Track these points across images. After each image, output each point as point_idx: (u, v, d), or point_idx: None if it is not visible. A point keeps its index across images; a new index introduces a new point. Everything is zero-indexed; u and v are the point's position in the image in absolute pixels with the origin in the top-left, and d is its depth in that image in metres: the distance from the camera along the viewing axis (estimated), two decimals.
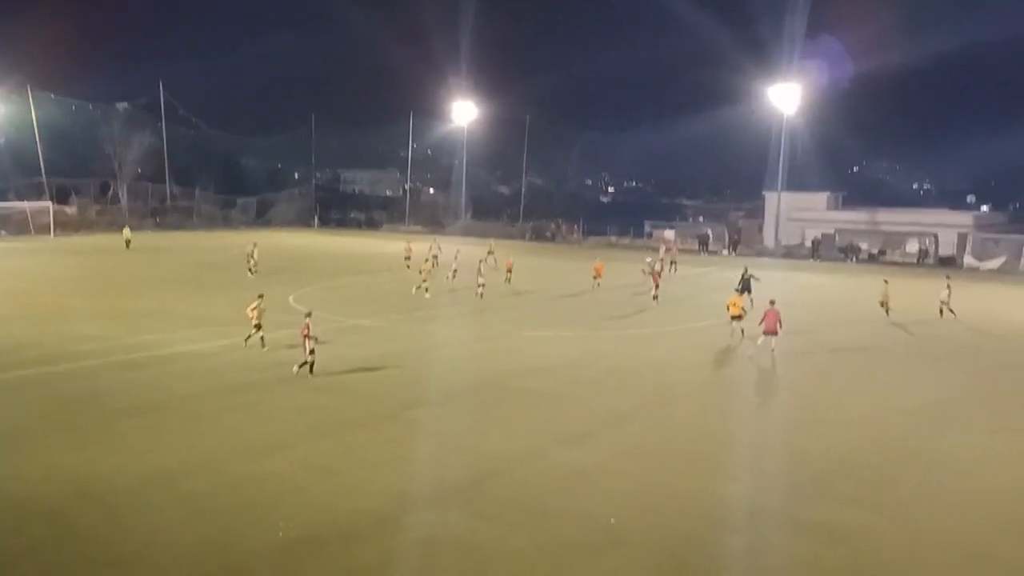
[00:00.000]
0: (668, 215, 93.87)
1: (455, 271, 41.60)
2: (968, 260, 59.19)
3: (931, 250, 61.58)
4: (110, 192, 79.74)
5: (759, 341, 24.87)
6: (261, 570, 11.09)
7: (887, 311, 33.18)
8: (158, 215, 79.27)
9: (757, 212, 79.68)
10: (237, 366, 22.35)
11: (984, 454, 16.70)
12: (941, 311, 33.39)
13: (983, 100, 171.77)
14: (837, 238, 66.12)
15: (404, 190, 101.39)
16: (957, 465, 16.01)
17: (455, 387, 21.01)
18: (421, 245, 50.33)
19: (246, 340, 24.34)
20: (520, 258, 47.01)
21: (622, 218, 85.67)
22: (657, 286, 36.50)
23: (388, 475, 14.68)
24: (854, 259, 62.37)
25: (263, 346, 24.00)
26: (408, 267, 45.26)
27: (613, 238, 77.47)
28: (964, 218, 67.98)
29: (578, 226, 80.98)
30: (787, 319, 25.26)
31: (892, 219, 69.27)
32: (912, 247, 63.07)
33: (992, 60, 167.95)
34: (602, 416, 18.65)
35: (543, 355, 25.10)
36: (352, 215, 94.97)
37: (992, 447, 17.16)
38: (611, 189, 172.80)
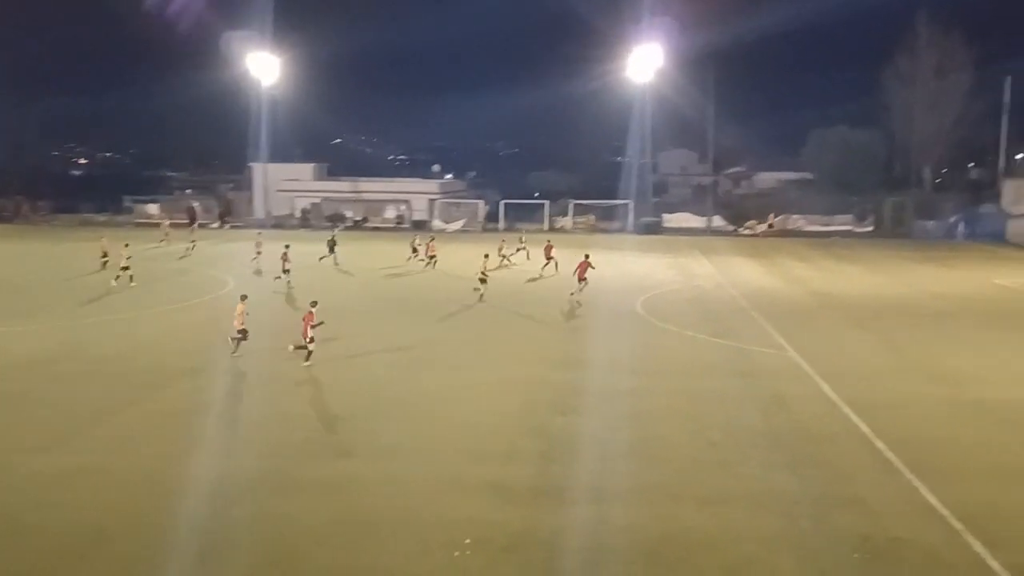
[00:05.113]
0: (152, 189, 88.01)
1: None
2: (437, 223, 66.55)
3: (406, 215, 67.88)
4: None
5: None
6: None
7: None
8: None
9: (246, 184, 79.06)
10: None
11: (448, 391, 19.17)
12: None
13: (440, 82, 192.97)
14: (324, 207, 69.07)
15: None
16: (428, 405, 18.16)
17: None
18: None
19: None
20: None
21: (99, 193, 78.15)
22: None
23: None
24: (341, 226, 65.73)
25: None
26: None
27: (89, 215, 70.32)
28: (431, 186, 75.99)
29: (43, 204, 71.75)
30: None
31: (372, 188, 74.88)
32: (390, 213, 68.84)
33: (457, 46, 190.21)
34: (83, 413, 17.08)
35: (7, 352, 21.96)
36: None
37: (451, 384, 19.79)
38: (84, 161, 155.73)
